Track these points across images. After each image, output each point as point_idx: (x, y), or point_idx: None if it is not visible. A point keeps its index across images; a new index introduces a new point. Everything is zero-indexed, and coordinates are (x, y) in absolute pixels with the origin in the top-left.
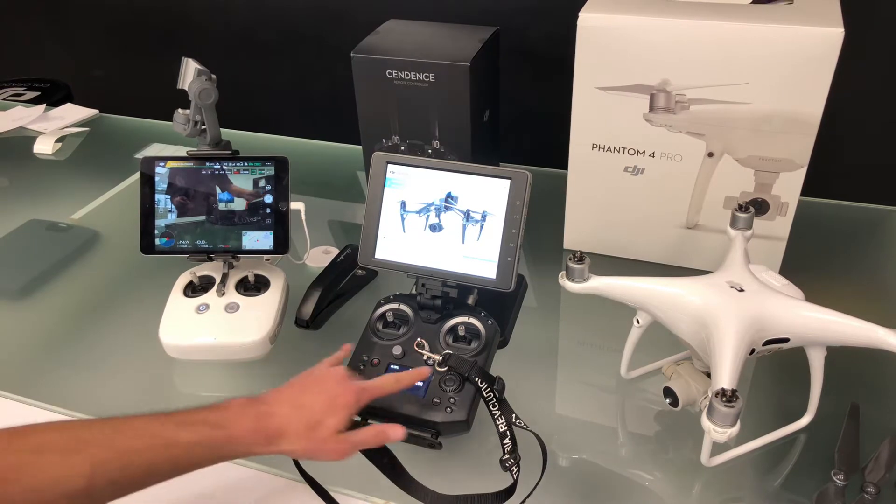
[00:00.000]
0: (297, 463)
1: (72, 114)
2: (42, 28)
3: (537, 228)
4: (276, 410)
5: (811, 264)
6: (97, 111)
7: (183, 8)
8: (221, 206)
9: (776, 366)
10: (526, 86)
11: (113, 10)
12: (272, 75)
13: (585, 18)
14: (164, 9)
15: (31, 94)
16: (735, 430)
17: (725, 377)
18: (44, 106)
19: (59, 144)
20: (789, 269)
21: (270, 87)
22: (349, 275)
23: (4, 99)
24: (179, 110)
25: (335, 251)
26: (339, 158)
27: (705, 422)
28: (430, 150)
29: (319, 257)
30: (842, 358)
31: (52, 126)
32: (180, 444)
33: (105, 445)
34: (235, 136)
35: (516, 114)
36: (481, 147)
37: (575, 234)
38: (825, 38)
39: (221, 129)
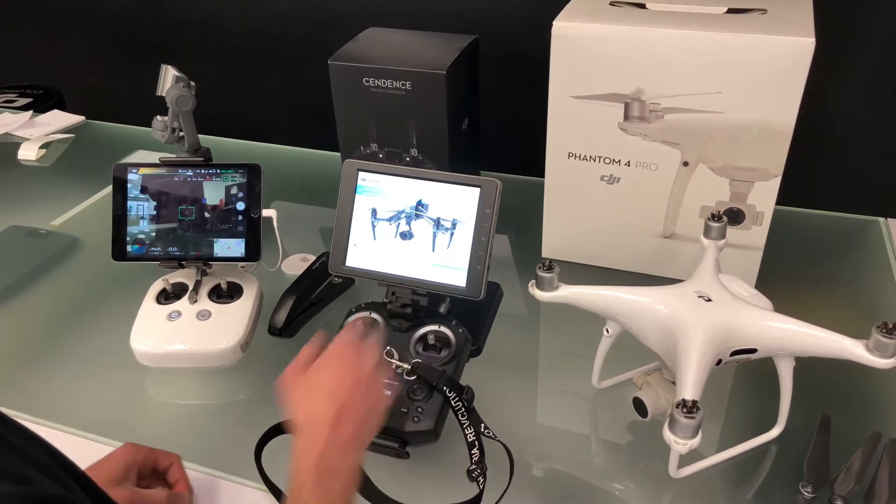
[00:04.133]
0: (262, 472)
1: (58, 120)
2: (34, 35)
3: (518, 236)
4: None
5: (787, 274)
6: (83, 118)
7: (175, 16)
8: (193, 214)
9: (747, 376)
10: (508, 94)
11: (106, 18)
12: (261, 83)
13: (559, 27)
14: (157, 17)
15: (23, 101)
16: (696, 441)
17: (689, 387)
18: (30, 112)
19: (44, 151)
20: (765, 278)
21: (259, 95)
22: (324, 283)
23: None
24: (158, 117)
25: (313, 258)
26: (323, 166)
27: (667, 433)
28: (408, 158)
29: (297, 265)
30: (814, 369)
31: (38, 132)
32: None
33: None
34: (221, 144)
35: (499, 122)
36: (460, 155)
37: (552, 243)
38: (797, 48)
39: (209, 137)
